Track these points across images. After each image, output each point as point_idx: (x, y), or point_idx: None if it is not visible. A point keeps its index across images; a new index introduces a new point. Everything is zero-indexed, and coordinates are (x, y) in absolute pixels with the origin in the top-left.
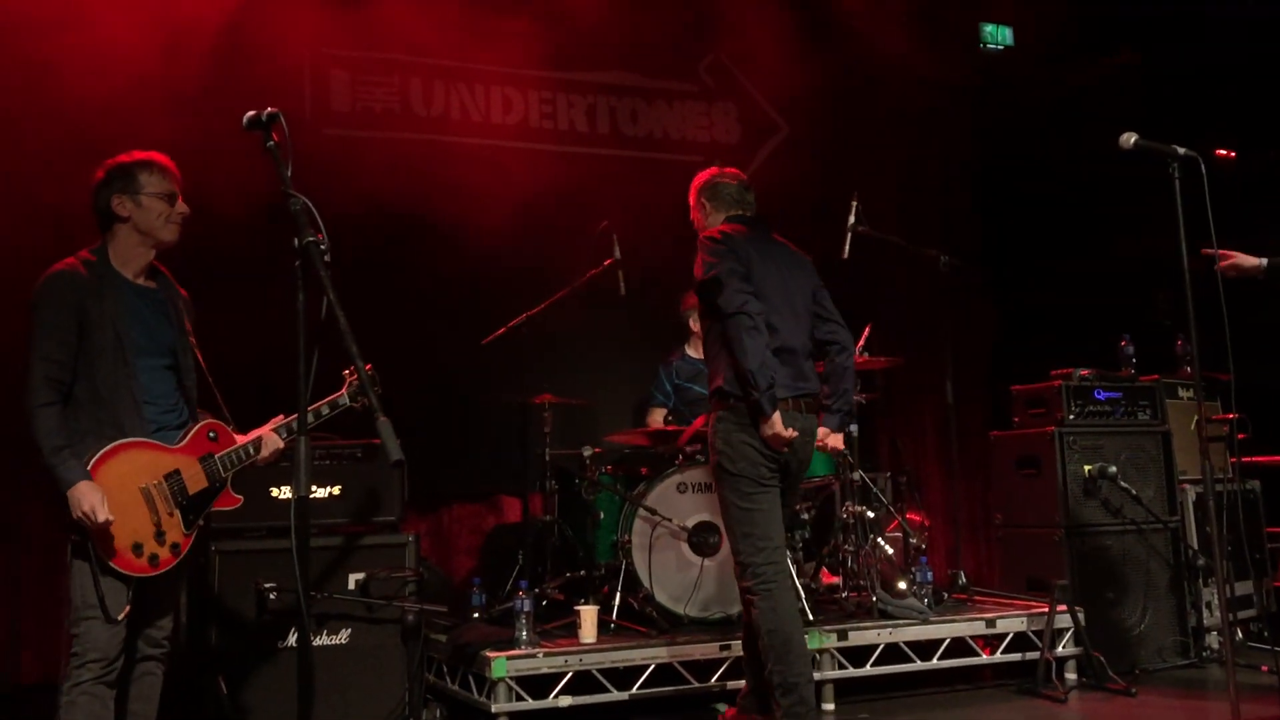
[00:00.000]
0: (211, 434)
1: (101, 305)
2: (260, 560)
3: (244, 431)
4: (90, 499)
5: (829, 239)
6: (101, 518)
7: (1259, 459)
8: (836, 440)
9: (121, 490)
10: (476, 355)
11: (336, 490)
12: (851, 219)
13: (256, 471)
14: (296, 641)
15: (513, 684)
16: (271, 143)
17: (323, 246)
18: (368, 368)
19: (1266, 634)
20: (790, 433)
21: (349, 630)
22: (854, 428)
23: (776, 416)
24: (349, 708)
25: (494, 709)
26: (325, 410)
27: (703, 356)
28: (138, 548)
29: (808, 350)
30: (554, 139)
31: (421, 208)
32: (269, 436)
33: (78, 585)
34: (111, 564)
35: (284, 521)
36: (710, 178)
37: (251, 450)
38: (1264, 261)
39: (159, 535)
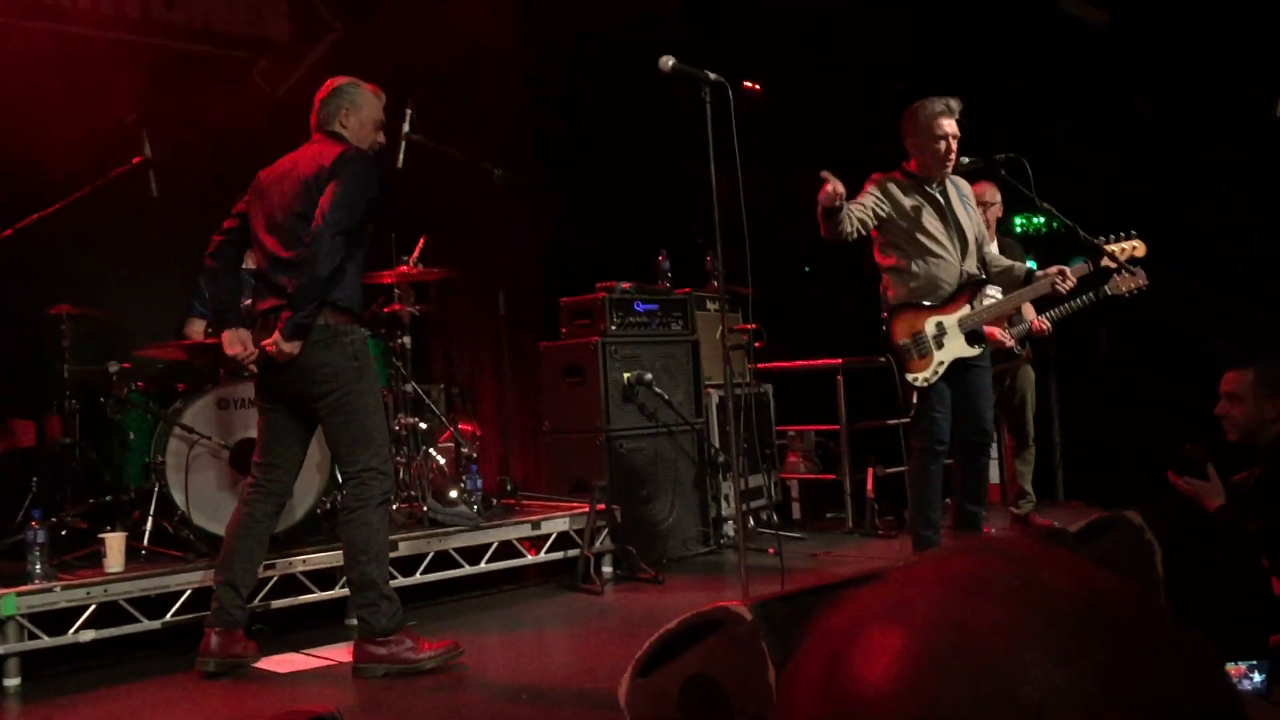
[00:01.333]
0: None
1: None
2: None
3: None
4: None
5: (385, 147)
6: None
7: (772, 365)
8: (281, 347)
9: None
10: None
11: None
12: (406, 127)
13: None
14: None
15: (24, 621)
16: None
17: None
18: None
19: (774, 519)
20: (234, 349)
21: None
22: (407, 340)
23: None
24: None
25: (1, 650)
26: None
27: (254, 267)
28: None
29: (281, 265)
30: (72, 19)
31: None
32: None
33: None
34: None
35: None
36: None
37: None
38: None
39: None
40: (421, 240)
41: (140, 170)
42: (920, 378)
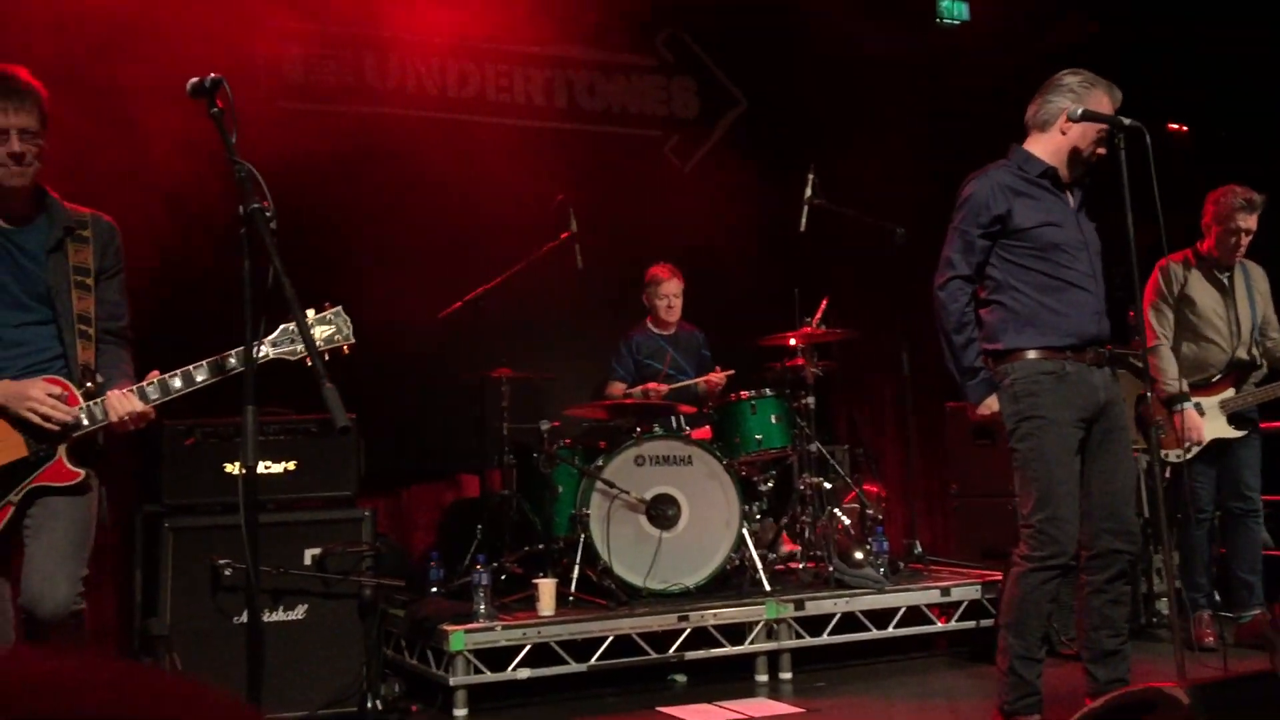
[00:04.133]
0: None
1: None
2: (215, 536)
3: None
4: (33, 385)
5: (789, 211)
6: (55, 389)
7: None
8: None
9: None
10: (433, 331)
11: (291, 465)
12: (808, 192)
13: (211, 447)
14: (248, 617)
15: (471, 657)
16: (215, 109)
17: (269, 213)
18: (334, 308)
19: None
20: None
21: (305, 606)
22: (811, 400)
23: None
24: (307, 683)
25: (452, 682)
26: (264, 350)
27: (667, 332)
28: None
29: None
30: (511, 112)
31: (377, 181)
32: (120, 398)
33: None
34: None
35: (237, 497)
36: None
37: (98, 414)
38: None
39: None
40: (824, 301)
41: (567, 244)
42: (1174, 454)
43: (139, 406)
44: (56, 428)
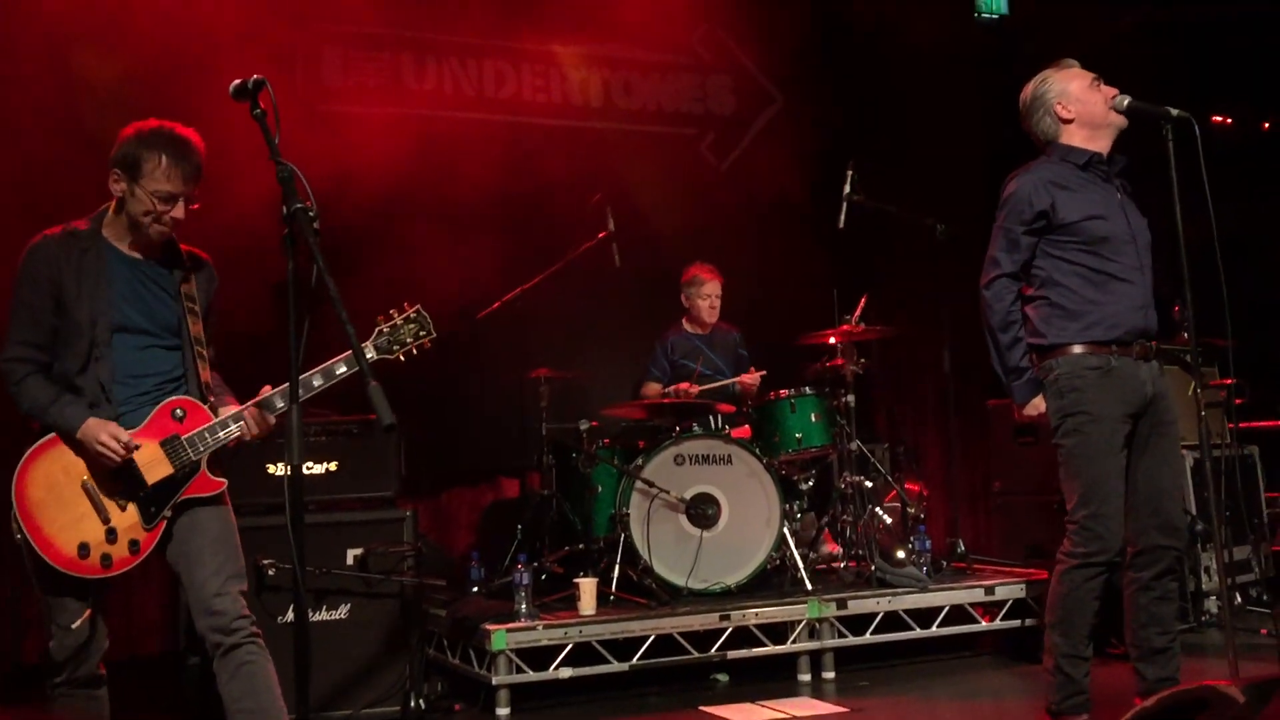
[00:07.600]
0: (177, 412)
1: (80, 279)
2: (258, 537)
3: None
4: (103, 429)
5: (827, 208)
6: (124, 437)
7: (1257, 424)
8: None
9: (64, 487)
10: (472, 331)
11: (333, 466)
12: (846, 188)
13: (254, 447)
14: (294, 617)
15: (513, 656)
16: (258, 110)
17: (311, 214)
18: (415, 308)
19: (1264, 597)
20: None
21: (348, 605)
22: (851, 398)
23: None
24: (350, 682)
25: (495, 681)
26: (341, 368)
27: (703, 332)
28: (84, 549)
29: None
30: (547, 112)
31: (415, 182)
32: (252, 411)
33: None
34: (56, 567)
35: (281, 498)
36: None
37: (233, 427)
38: None
39: (110, 534)
40: (863, 299)
41: (604, 244)
42: None
43: (270, 419)
44: (113, 463)
